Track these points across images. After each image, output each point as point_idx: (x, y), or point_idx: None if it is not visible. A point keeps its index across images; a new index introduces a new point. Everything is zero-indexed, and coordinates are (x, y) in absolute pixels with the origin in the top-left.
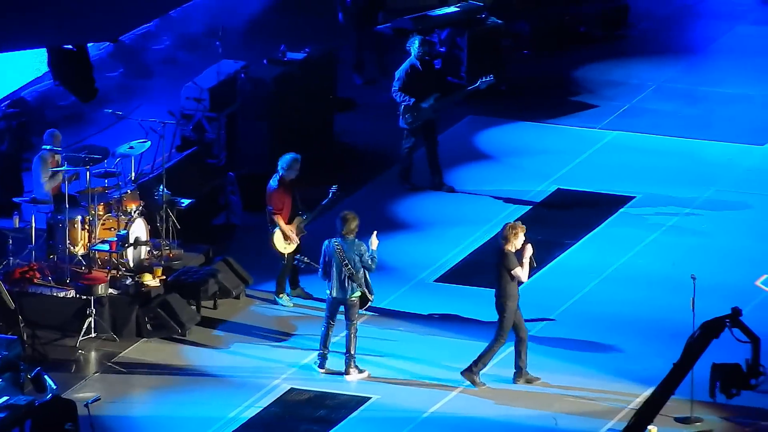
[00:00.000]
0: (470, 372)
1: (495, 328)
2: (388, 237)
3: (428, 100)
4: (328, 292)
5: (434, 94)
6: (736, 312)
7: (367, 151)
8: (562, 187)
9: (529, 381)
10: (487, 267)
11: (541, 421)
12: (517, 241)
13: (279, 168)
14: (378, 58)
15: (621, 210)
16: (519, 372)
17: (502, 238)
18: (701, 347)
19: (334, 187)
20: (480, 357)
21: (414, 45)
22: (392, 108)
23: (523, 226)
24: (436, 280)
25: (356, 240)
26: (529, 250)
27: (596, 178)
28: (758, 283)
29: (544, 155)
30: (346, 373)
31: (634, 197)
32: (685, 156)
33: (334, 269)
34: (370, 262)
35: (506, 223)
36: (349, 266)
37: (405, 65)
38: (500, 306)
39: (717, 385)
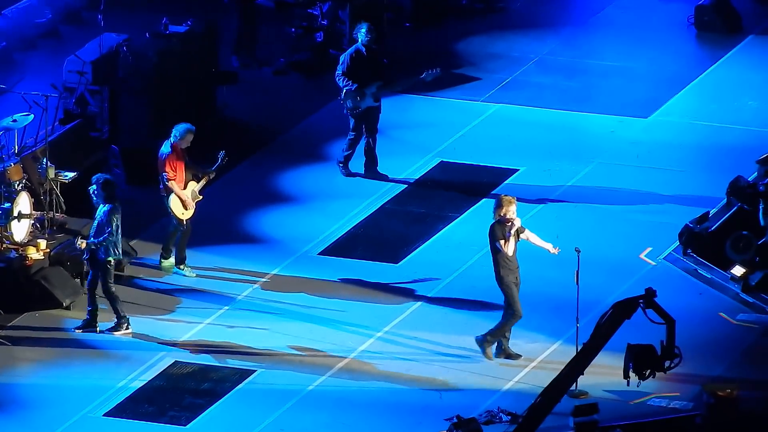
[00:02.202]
0: (484, 342)
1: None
2: (271, 210)
3: (371, 88)
4: (111, 257)
5: (377, 82)
6: (651, 293)
7: (249, 125)
8: (445, 160)
9: (509, 356)
10: (368, 240)
11: (426, 395)
12: (502, 212)
13: (172, 135)
14: (256, 31)
15: (504, 182)
16: (502, 346)
17: (495, 210)
18: (612, 327)
19: (222, 152)
20: (491, 331)
21: (361, 32)
22: (273, 81)
23: (512, 198)
24: (319, 253)
25: None
26: (516, 224)
27: (479, 151)
28: (642, 255)
29: (427, 128)
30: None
31: (518, 170)
32: (568, 129)
33: (119, 230)
34: None
35: (500, 197)
36: None
37: (350, 50)
38: (498, 279)
39: (630, 366)
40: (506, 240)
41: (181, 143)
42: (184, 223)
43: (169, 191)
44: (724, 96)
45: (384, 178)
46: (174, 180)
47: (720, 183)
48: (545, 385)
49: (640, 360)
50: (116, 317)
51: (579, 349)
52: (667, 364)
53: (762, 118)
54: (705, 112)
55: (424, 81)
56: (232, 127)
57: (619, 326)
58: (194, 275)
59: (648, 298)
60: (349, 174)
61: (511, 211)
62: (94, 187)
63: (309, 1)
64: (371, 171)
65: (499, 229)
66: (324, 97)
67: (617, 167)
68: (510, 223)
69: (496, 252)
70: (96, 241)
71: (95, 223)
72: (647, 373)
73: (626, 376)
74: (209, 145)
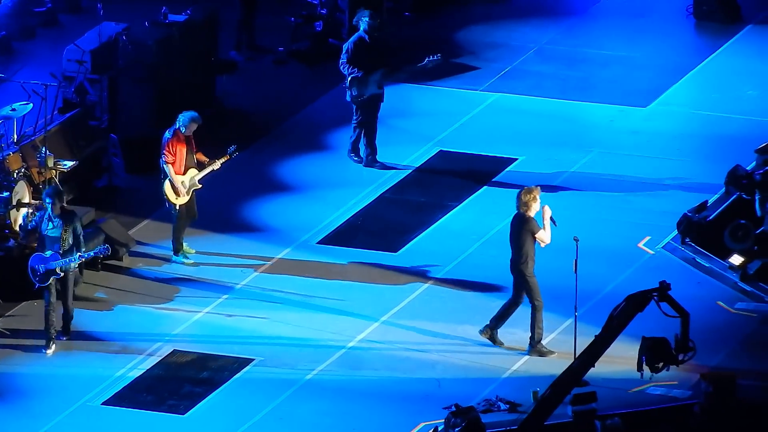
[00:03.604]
0: (534, 348)
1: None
2: (270, 199)
3: (375, 75)
4: (74, 264)
5: (381, 69)
6: (665, 286)
7: (248, 114)
8: (444, 149)
9: (492, 339)
10: (368, 228)
11: (425, 383)
12: (536, 205)
13: (177, 122)
14: (254, 20)
15: (503, 172)
16: (492, 327)
17: (521, 205)
18: (624, 320)
19: (233, 146)
20: (532, 331)
21: (363, 19)
22: (273, 70)
23: (539, 188)
24: (319, 242)
25: None
26: (548, 212)
27: (478, 140)
28: (641, 245)
29: (426, 117)
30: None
31: (517, 159)
32: (568, 118)
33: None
34: None
35: (521, 189)
36: None
37: (353, 38)
38: (518, 270)
39: (644, 359)
40: (544, 229)
41: (185, 130)
42: (177, 208)
43: (166, 175)
44: (724, 85)
45: (382, 166)
46: (172, 164)
47: (719, 172)
48: (547, 375)
49: (653, 353)
50: (52, 336)
51: (578, 341)
52: (681, 357)
53: (761, 107)
54: (704, 102)
55: (426, 68)
56: (232, 116)
57: (632, 319)
58: (191, 262)
59: (662, 291)
60: (362, 161)
61: (538, 201)
62: (49, 200)
63: None
64: (369, 159)
65: (533, 221)
66: (323, 86)
67: (616, 156)
68: (543, 212)
69: (528, 244)
70: (88, 254)
71: (69, 236)
72: (660, 366)
73: (640, 368)
74: (209, 134)
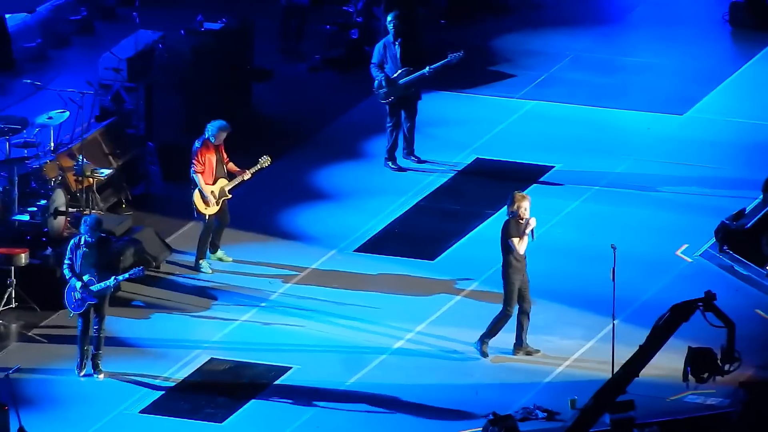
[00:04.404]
0: (482, 342)
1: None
2: (307, 207)
3: (399, 76)
4: (110, 289)
5: (403, 69)
6: (710, 296)
7: (284, 122)
8: (481, 157)
9: (528, 353)
10: (404, 236)
11: (462, 391)
12: (520, 211)
13: (206, 131)
14: (297, 28)
15: (540, 179)
16: (519, 344)
17: (510, 208)
18: (669, 330)
19: (264, 156)
20: (489, 329)
21: (388, 21)
22: (308, 78)
23: (527, 195)
24: (355, 250)
25: None
26: (531, 224)
27: (515, 148)
28: (678, 252)
29: (463, 125)
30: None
31: (554, 167)
32: (604, 126)
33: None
34: None
35: (514, 193)
36: None
37: (381, 41)
38: (503, 275)
39: (689, 369)
40: (520, 238)
41: (214, 140)
42: (207, 218)
43: (196, 185)
44: (759, 93)
45: (418, 159)
46: (201, 174)
47: (756, 180)
48: (586, 382)
49: (699, 363)
50: (85, 357)
51: (615, 349)
52: (726, 368)
53: None
54: (740, 109)
55: (450, 64)
56: (267, 124)
57: (676, 329)
58: (210, 271)
59: (707, 301)
60: (399, 169)
61: (524, 207)
62: (87, 228)
63: None
64: (407, 154)
65: (513, 226)
66: (358, 93)
67: (653, 164)
68: (525, 222)
69: (508, 250)
70: (123, 277)
71: (104, 263)
72: (706, 377)
73: (685, 379)
74: (244, 143)
